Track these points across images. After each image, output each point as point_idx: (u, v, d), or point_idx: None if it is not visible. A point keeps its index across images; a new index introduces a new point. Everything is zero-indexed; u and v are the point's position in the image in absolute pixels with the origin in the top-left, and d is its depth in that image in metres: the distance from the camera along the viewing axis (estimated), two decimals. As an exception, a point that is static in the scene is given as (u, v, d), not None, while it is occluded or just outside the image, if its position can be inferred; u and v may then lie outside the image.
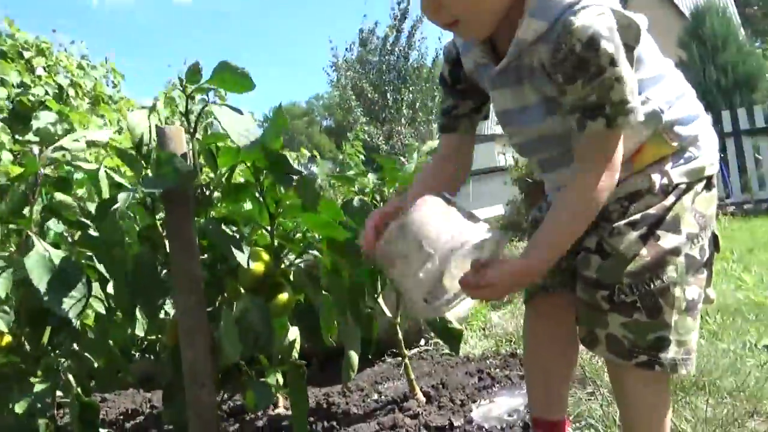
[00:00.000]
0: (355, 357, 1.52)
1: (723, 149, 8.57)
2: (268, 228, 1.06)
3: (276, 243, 1.07)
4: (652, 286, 1.00)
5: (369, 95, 12.91)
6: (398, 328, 1.67)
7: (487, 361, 2.19)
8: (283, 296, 1.06)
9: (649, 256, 1.01)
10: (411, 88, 13.09)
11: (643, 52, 1.00)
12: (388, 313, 1.66)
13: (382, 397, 1.95)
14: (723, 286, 3.41)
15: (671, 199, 1.03)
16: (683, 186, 1.04)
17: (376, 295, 1.66)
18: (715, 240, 1.09)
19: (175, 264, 0.92)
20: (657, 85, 1.02)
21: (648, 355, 1.02)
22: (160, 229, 0.97)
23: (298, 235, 1.15)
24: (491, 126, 13.90)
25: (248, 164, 0.97)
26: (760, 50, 11.85)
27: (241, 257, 0.94)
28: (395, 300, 1.68)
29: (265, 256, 1.03)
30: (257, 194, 1.01)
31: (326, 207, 1.02)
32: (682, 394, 1.66)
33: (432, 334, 2.63)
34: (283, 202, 1.02)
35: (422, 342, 2.62)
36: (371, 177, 1.55)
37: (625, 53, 0.90)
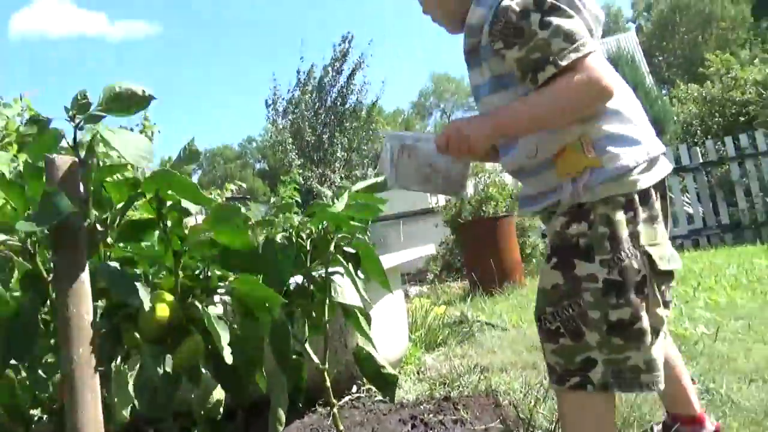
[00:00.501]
0: (281, 410, 1.41)
1: (639, 189, 9.08)
2: (173, 268, 0.97)
3: (182, 284, 0.98)
4: (571, 311, 1.07)
5: (307, 137, 12.84)
6: (326, 375, 1.57)
7: (421, 407, 2.11)
8: (191, 343, 0.96)
9: (565, 284, 1.08)
10: (347, 131, 13.13)
11: None
12: (315, 359, 1.56)
13: (311, 451, 1.83)
14: (647, 319, 3.52)
15: (581, 226, 1.09)
16: (588, 207, 1.09)
17: (303, 340, 1.57)
18: (650, 260, 1.09)
19: (63, 312, 0.81)
20: None
21: (579, 376, 1.06)
22: (45, 273, 0.85)
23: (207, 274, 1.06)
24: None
25: (149, 197, 0.89)
26: (666, 97, 12.80)
27: (139, 301, 0.84)
28: (323, 344, 1.58)
29: (169, 299, 0.94)
30: (160, 230, 0.92)
31: (239, 241, 0.94)
32: (615, 430, 1.65)
33: (364, 380, 2.53)
34: (190, 238, 0.93)
35: (354, 389, 2.51)
36: (296, 216, 1.49)
37: (557, 17, 1.05)
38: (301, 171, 12.13)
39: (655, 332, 1.09)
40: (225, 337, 0.88)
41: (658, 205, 1.13)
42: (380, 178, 1.67)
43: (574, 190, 1.08)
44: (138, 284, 0.86)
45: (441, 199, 10.89)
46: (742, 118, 11.01)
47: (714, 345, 2.63)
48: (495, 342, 3.40)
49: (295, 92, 13.34)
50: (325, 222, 1.49)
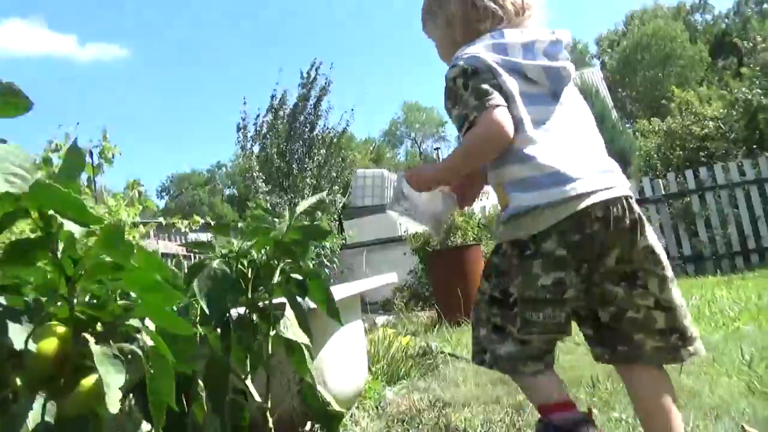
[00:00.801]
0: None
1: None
2: (67, 296, 0.84)
3: (79, 314, 0.85)
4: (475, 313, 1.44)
5: (276, 164, 12.66)
6: (268, 415, 1.44)
7: (377, 445, 1.98)
8: (89, 382, 0.83)
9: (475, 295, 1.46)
10: (315, 158, 13.01)
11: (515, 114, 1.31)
12: (257, 397, 1.43)
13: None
14: (612, 350, 3.46)
15: (491, 257, 1.42)
16: (498, 243, 1.42)
17: (244, 376, 1.44)
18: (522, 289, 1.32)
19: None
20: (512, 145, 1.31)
21: (478, 359, 1.43)
22: None
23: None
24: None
25: (35, 214, 0.77)
26: (630, 130, 13.11)
27: (8, 339, 0.71)
28: (266, 381, 1.45)
29: (61, 331, 0.81)
30: (50, 252, 0.80)
31: (147, 263, 0.83)
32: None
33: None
34: (85, 260, 0.81)
35: (309, 426, 2.36)
36: (236, 241, 1.37)
37: (474, 80, 1.32)
38: (268, 197, 11.93)
39: (520, 341, 1.34)
40: (116, 380, 0.75)
41: (551, 245, 1.27)
42: (323, 194, 1.61)
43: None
44: (9, 320, 0.73)
45: (410, 228, 10.83)
46: (702, 153, 11.33)
47: (679, 378, 2.57)
48: (459, 374, 3.28)
49: (267, 117, 13.20)
50: (267, 246, 1.38)
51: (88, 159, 5.53)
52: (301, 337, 1.47)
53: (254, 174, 12.26)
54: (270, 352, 1.42)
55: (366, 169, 13.61)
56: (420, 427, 2.19)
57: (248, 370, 1.42)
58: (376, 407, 2.66)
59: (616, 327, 1.34)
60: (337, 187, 13.27)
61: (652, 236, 1.33)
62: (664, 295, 1.31)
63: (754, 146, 10.26)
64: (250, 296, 1.39)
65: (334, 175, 13.45)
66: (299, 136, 13.14)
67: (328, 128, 13.28)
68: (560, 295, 1.28)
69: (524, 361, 1.33)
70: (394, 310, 8.18)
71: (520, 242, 1.30)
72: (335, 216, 12.34)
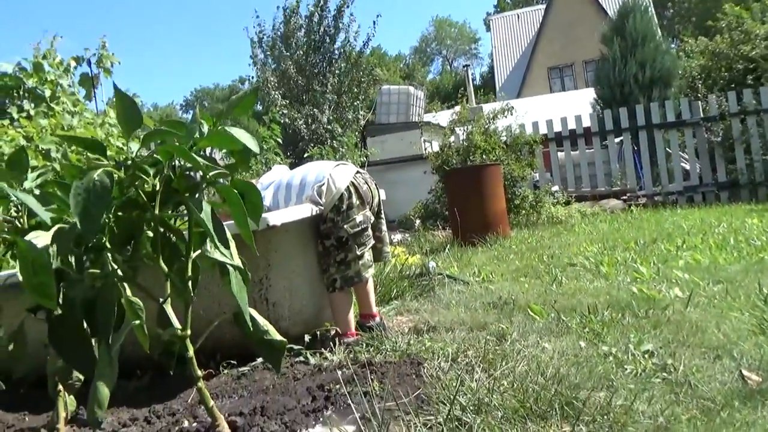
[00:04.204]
0: (103, 391, 1.12)
1: (636, 142, 8.70)
2: None
3: None
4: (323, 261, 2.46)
5: (293, 77, 12.19)
6: (188, 343, 1.27)
7: (339, 372, 1.83)
8: None
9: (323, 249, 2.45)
10: (336, 72, 12.49)
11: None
12: (176, 323, 1.26)
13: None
14: (619, 278, 3.24)
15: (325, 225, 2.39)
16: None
17: (162, 300, 1.27)
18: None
19: None
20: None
21: (332, 287, 2.38)
22: None
23: None
24: (418, 114, 13.68)
25: None
26: (675, 50, 12.14)
27: None
28: (184, 306, 1.27)
29: None
30: None
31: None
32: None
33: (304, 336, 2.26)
34: None
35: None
36: (133, 145, 1.15)
37: None
38: (286, 111, 11.54)
39: (359, 257, 2.34)
40: None
41: (353, 199, 2.36)
42: (256, 85, 1.36)
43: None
44: None
45: (434, 146, 10.45)
46: (750, 76, 10.44)
47: (685, 312, 2.35)
48: (453, 297, 3.13)
49: (280, 30, 12.58)
50: (179, 158, 1.15)
51: (86, 68, 5.31)
52: (231, 258, 1.28)
53: (269, 86, 11.81)
54: (189, 274, 1.24)
55: (392, 85, 13.00)
56: (390, 353, 2.04)
57: (168, 293, 1.25)
58: (357, 327, 2.52)
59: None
60: (358, 102, 12.78)
61: (382, 193, 2.64)
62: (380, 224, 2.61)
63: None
64: (154, 213, 1.17)
65: (356, 90, 12.91)
66: (318, 49, 12.52)
67: (349, 42, 12.60)
68: (369, 222, 2.39)
69: (366, 269, 2.36)
70: (414, 228, 8.02)
71: (335, 207, 2.29)
72: (357, 132, 11.98)
